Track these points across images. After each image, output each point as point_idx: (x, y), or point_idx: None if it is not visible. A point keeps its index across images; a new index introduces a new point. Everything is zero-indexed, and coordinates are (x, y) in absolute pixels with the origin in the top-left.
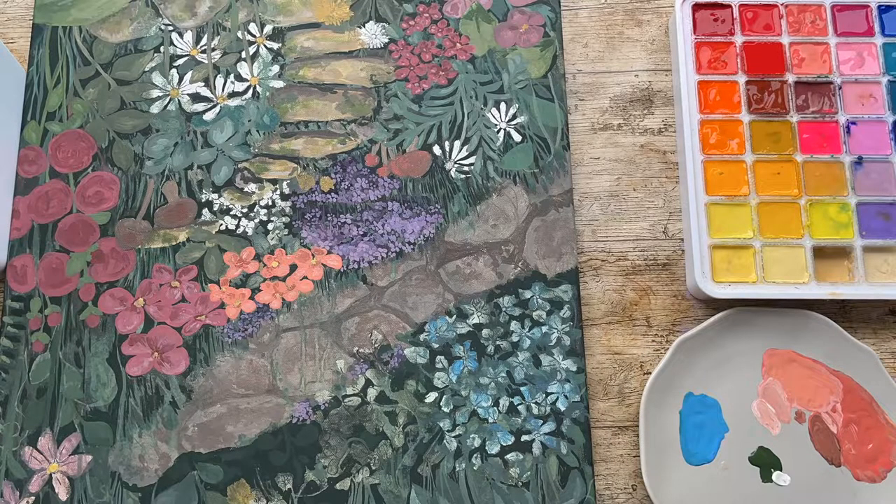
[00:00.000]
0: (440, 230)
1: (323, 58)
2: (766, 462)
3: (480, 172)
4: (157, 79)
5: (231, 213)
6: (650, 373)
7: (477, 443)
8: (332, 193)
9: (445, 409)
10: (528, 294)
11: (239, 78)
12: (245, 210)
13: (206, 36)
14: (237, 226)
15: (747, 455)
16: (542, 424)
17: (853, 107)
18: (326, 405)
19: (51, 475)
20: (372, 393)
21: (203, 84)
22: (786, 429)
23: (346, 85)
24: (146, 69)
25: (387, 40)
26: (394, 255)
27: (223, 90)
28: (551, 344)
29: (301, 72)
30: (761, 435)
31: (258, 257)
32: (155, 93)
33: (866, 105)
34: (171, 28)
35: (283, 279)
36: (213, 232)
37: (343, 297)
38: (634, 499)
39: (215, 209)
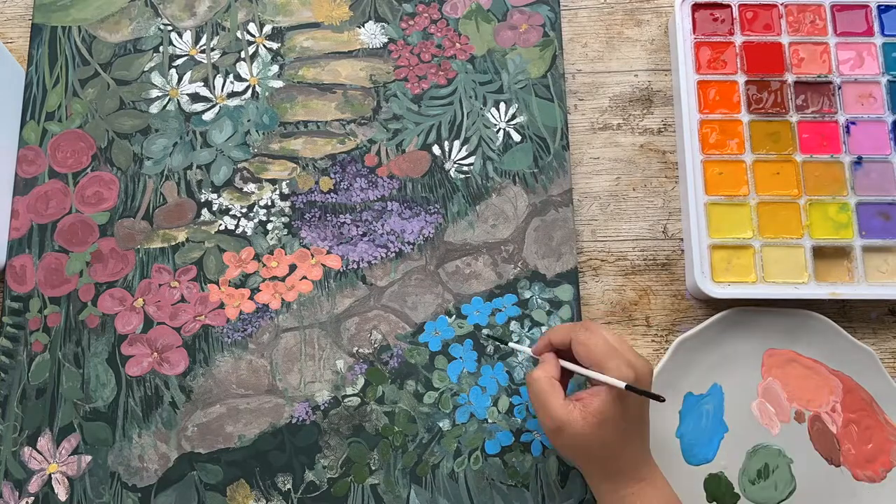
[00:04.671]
0: (440, 230)
1: (322, 58)
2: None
3: (480, 172)
4: (156, 79)
5: (230, 213)
6: None
7: (477, 443)
8: (332, 193)
9: (445, 410)
10: (527, 294)
11: (238, 78)
12: (244, 210)
13: (205, 36)
14: (236, 226)
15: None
16: None
17: (853, 107)
18: (326, 405)
19: (50, 475)
20: (372, 393)
21: (202, 84)
22: (785, 429)
23: (346, 85)
24: (145, 69)
25: (386, 40)
26: (393, 255)
27: (222, 90)
28: None
29: (300, 72)
30: (761, 435)
31: (257, 257)
32: (154, 93)
33: (866, 105)
34: (170, 28)
35: (283, 279)
36: (213, 232)
37: (342, 297)
38: None
39: (214, 209)
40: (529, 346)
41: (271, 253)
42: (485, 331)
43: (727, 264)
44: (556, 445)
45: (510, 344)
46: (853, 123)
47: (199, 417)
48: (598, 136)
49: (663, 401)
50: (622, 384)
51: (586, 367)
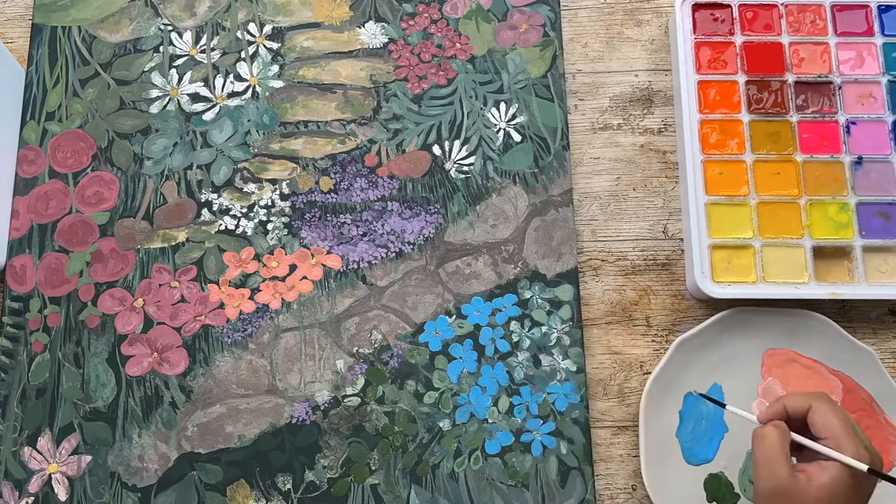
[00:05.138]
0: (440, 230)
1: (322, 58)
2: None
3: (480, 172)
4: (156, 79)
5: (230, 213)
6: (650, 373)
7: (477, 443)
8: (332, 193)
9: (445, 410)
10: (527, 294)
11: (238, 78)
12: (244, 210)
13: (205, 36)
14: (237, 226)
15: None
16: (542, 424)
17: (853, 107)
18: (326, 405)
19: (50, 475)
20: (372, 393)
21: (202, 84)
22: None
23: (346, 85)
24: (145, 69)
25: (386, 40)
26: (393, 255)
27: (222, 90)
28: (551, 344)
29: (301, 72)
30: None
31: (258, 257)
32: (154, 93)
33: (866, 105)
34: (170, 28)
35: (283, 279)
36: (213, 232)
37: (343, 297)
38: (634, 499)
39: (215, 209)
40: (735, 407)
41: (271, 253)
42: (696, 390)
43: (727, 264)
44: None
45: (729, 408)
46: (853, 123)
47: (199, 417)
48: (598, 136)
49: None
50: (864, 466)
51: (820, 441)
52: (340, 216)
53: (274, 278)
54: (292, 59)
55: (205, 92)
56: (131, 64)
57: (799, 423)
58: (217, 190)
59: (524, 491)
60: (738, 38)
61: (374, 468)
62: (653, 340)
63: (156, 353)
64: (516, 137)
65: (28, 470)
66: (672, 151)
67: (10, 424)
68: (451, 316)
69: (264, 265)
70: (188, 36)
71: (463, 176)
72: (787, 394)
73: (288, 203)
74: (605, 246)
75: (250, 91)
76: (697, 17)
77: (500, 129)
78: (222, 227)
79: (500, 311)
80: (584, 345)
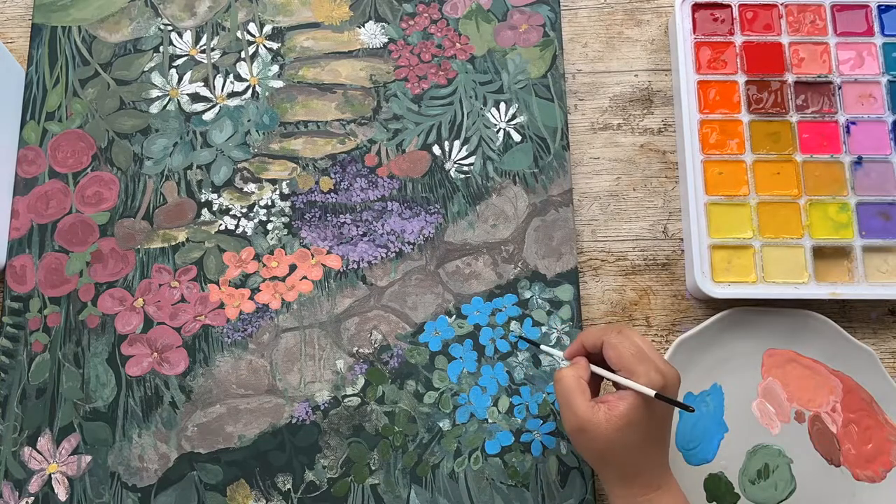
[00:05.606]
0: (440, 230)
1: (322, 58)
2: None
3: (480, 172)
4: (156, 79)
5: (230, 213)
6: None
7: (477, 443)
8: (332, 193)
9: (445, 410)
10: (527, 294)
11: (238, 78)
12: (244, 210)
13: (205, 36)
14: (236, 226)
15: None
16: (542, 424)
17: (853, 107)
18: (326, 405)
19: (50, 475)
20: (372, 393)
21: (202, 84)
22: (785, 429)
23: (346, 85)
24: (145, 69)
25: (386, 40)
26: (393, 255)
27: (222, 90)
28: (551, 344)
29: (300, 72)
30: (761, 435)
31: (258, 257)
32: (154, 93)
33: (866, 105)
34: (170, 28)
35: (283, 279)
36: (213, 232)
37: (343, 297)
38: None
39: (215, 209)
40: (561, 350)
41: (271, 253)
42: (516, 331)
43: (727, 264)
44: (576, 445)
45: (542, 347)
46: (853, 123)
47: (199, 417)
48: (598, 136)
49: (693, 411)
50: (651, 392)
51: (616, 371)
52: (340, 216)
53: (274, 278)
54: (292, 59)
55: (205, 92)
56: (131, 64)
57: (601, 356)
58: (217, 190)
59: (524, 491)
60: (738, 38)
61: (374, 468)
62: (653, 340)
63: (156, 353)
64: (516, 137)
65: (28, 470)
66: (672, 151)
67: (10, 424)
68: (451, 316)
69: (264, 265)
70: (188, 36)
71: (463, 176)
72: (585, 330)
73: (288, 203)
74: (605, 246)
75: (250, 91)
76: (697, 17)
77: (500, 129)
78: (222, 227)
79: (501, 311)
80: None
